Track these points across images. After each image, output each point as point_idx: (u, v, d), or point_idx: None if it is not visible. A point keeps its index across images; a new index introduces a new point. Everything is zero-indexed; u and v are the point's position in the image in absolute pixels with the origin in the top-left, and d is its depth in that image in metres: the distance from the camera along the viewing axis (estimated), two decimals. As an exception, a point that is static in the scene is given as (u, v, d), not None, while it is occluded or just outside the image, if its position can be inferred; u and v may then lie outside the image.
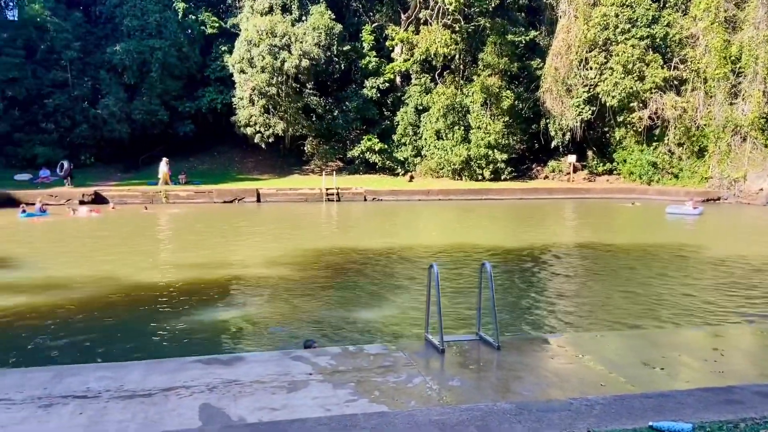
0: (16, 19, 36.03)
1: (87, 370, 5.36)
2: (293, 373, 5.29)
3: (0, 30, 33.22)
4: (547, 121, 35.69)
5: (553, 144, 35.94)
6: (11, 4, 40.55)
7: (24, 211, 21.98)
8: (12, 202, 24.07)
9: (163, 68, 33.03)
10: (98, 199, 26.48)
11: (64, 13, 33.39)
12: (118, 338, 8.21)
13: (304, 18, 34.23)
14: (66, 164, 28.75)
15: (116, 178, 31.28)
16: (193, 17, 35.26)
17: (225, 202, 28.19)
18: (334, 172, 32.24)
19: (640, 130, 33.81)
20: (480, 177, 34.54)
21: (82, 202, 24.98)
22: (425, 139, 35.36)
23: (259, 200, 28.62)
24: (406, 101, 36.21)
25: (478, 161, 34.40)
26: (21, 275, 12.18)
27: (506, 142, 34.77)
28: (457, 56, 35.93)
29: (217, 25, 35.63)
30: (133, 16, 33.39)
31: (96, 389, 4.82)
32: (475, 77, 35.19)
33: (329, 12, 34.23)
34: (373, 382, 5.10)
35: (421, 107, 35.74)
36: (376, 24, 37.40)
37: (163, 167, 29.84)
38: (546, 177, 36.74)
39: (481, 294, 6.56)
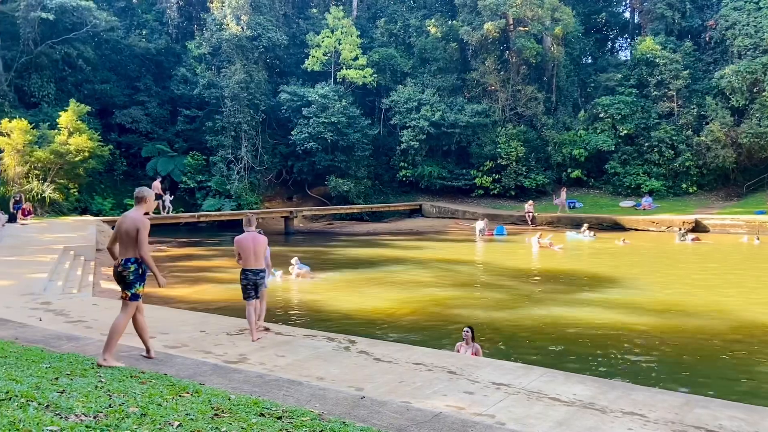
0: (628, 58, 39.54)
1: (715, 404, 5.21)
2: None
3: (615, 71, 37.06)
4: None
5: None
6: (624, 45, 44.88)
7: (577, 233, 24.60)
8: (618, 227, 26.25)
9: (777, 85, 29.81)
10: (698, 228, 25.97)
11: (673, 45, 34.47)
12: (716, 372, 7.72)
13: None
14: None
15: (717, 206, 30.01)
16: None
17: None
18: None
19: None
20: None
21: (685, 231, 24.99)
22: None
23: None
24: None
25: None
26: (624, 295, 13.09)
27: None
28: None
29: None
30: (746, 35, 31.49)
31: (729, 428, 4.60)
32: None
33: None
34: None
35: None
36: None
37: None
38: None
39: None
